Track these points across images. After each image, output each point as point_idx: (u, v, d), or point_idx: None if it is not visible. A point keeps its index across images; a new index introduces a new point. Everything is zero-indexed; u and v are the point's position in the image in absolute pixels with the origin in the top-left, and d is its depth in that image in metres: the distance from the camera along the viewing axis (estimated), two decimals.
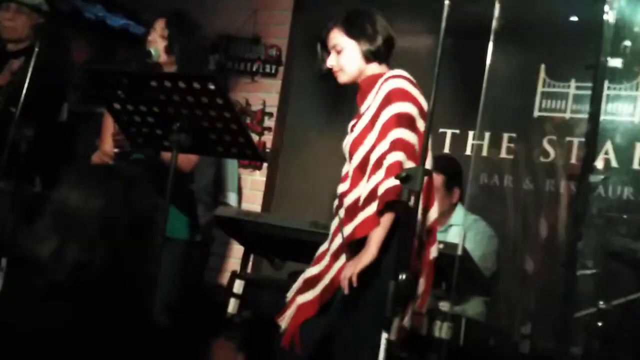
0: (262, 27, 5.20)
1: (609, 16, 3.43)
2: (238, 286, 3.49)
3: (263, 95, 5.17)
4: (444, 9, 2.39)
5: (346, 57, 2.83)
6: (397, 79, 2.74)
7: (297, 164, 5.14)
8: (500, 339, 3.36)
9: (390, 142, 2.63)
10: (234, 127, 2.76)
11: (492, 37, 2.78)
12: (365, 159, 2.71)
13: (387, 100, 2.70)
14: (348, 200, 2.75)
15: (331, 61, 2.86)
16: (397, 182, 2.43)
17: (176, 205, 3.26)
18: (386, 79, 2.74)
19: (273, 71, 5.15)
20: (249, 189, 5.08)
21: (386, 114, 2.68)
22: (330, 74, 2.89)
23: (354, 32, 2.82)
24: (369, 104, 2.79)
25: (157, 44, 3.40)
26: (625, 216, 3.69)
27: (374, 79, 2.82)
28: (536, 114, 4.54)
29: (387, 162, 2.61)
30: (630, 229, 3.69)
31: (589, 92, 3.82)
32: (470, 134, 4.62)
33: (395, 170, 2.53)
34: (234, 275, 3.53)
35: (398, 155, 2.59)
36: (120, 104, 2.85)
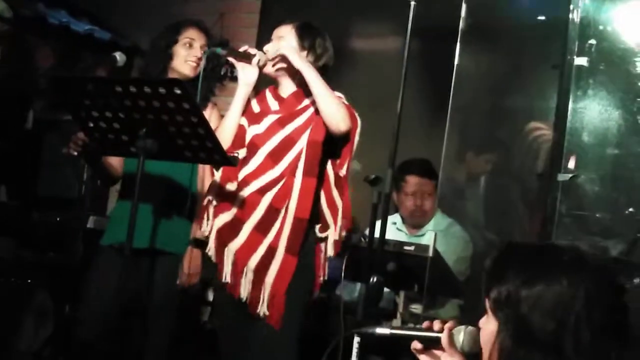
0: (229, 30, 5.16)
1: (574, 15, 3.45)
2: (211, 294, 3.46)
3: (232, 99, 5.11)
4: (410, 10, 2.39)
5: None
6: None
7: None
8: None
9: None
10: (201, 132, 2.73)
11: (459, 38, 2.78)
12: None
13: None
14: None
15: (271, 48, 2.94)
16: None
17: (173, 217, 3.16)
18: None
19: None
20: None
21: None
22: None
23: (305, 41, 2.95)
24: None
25: None
26: (597, 215, 3.65)
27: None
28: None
29: None
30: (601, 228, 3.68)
31: None
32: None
33: None
34: (207, 284, 3.50)
35: None
36: (86, 111, 2.80)
